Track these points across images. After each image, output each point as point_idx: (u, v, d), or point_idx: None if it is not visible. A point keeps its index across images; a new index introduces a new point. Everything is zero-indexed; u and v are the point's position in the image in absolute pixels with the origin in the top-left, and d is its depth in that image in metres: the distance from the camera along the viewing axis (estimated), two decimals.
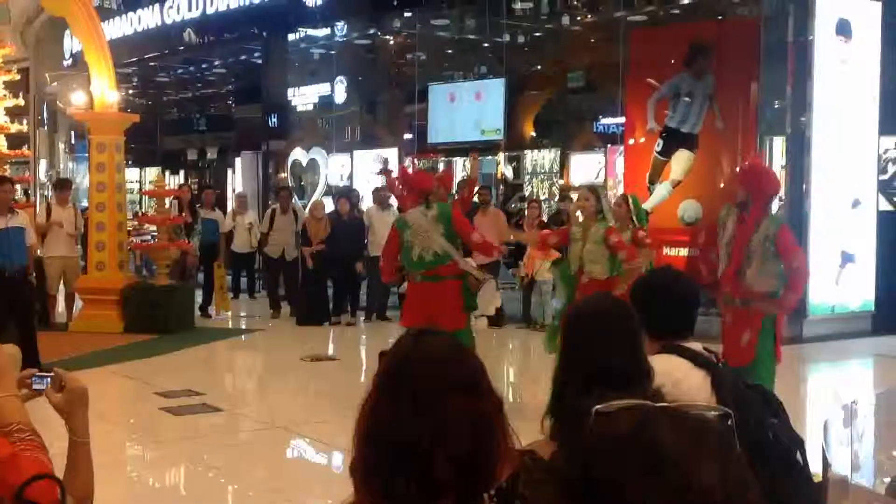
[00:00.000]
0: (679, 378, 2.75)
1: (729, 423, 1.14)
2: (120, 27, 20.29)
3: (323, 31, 18.80)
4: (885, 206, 12.53)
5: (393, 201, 12.57)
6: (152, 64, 22.91)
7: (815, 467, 3.12)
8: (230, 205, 17.73)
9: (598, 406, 1.09)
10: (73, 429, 2.13)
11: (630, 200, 8.11)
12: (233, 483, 6.42)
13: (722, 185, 11.57)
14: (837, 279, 11.60)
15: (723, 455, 1.00)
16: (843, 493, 3.11)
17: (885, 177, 12.74)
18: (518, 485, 1.75)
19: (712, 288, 6.70)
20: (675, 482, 0.96)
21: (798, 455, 2.78)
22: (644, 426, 1.01)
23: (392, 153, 18.02)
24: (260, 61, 19.43)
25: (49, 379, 2.14)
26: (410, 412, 1.69)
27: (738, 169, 7.86)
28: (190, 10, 18.89)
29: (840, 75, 11.54)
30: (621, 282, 7.07)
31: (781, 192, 12.51)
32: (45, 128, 23.60)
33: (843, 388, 9.15)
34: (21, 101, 21.97)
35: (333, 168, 18.35)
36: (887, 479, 3.54)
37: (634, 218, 7.94)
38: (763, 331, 6.08)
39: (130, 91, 24.19)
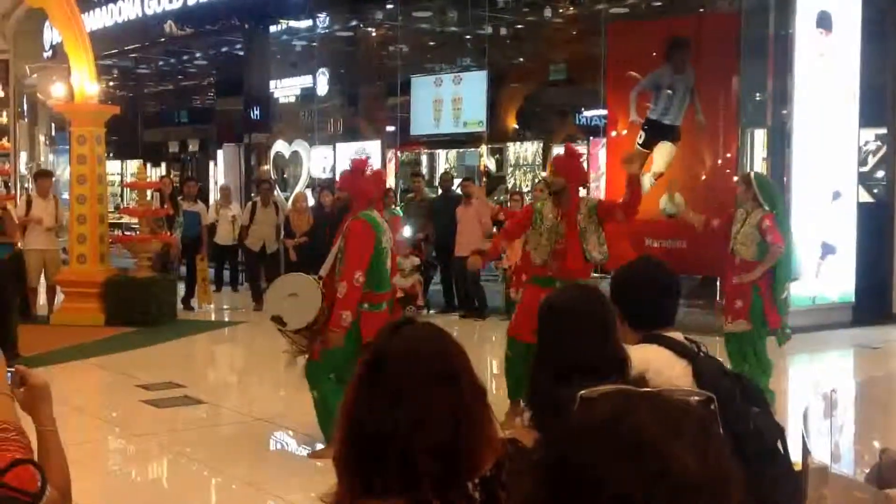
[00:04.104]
0: (660, 367, 2.76)
1: (711, 407, 1.15)
2: (100, 18, 20.14)
3: (305, 23, 18.73)
4: (866, 197, 12.61)
5: None
6: (133, 56, 22.77)
7: (796, 456, 3.14)
8: (212, 197, 17.68)
9: (582, 392, 1.10)
10: (38, 421, 2.12)
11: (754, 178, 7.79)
12: (215, 476, 6.41)
13: (691, 177, 11.61)
14: (818, 271, 11.67)
15: (703, 440, 1.00)
16: (823, 482, 3.14)
17: (866, 169, 12.83)
18: (501, 473, 1.75)
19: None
20: (654, 467, 0.97)
21: (778, 444, 2.80)
22: (624, 411, 1.01)
23: (375, 145, 17.99)
24: (241, 53, 19.34)
25: (9, 374, 2.12)
26: (390, 404, 1.69)
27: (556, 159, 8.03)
28: (171, 1, 18.78)
29: (821, 68, 11.59)
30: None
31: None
32: (26, 120, 23.44)
33: (824, 379, 9.21)
34: (1, 93, 21.86)
35: (316, 160, 18.30)
36: (867, 470, 3.57)
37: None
38: None
39: (111, 83, 24.05)
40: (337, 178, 16.30)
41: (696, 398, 1.16)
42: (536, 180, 16.64)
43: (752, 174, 7.80)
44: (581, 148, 17.24)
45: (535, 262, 6.99)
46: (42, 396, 2.13)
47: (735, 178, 9.62)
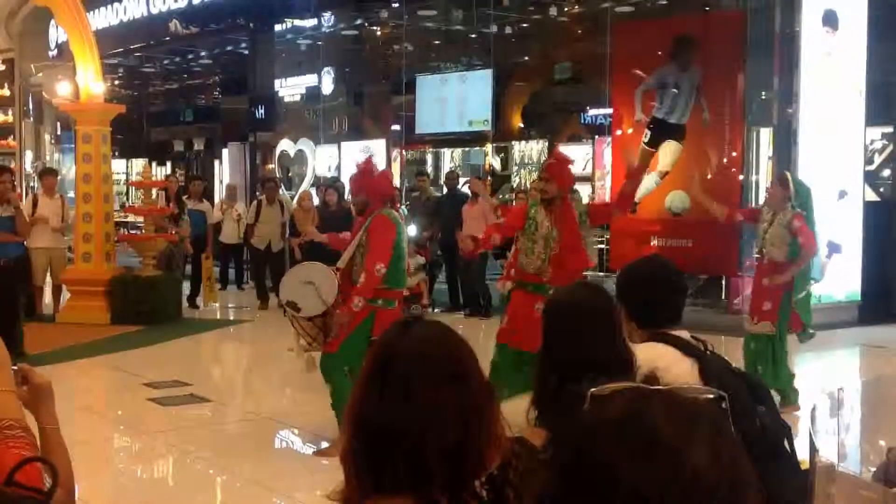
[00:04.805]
0: (667, 366, 2.76)
1: (723, 405, 1.14)
2: (105, 17, 20.17)
3: (310, 22, 18.74)
4: (872, 196, 12.59)
5: None
6: (138, 54, 22.80)
7: (803, 455, 3.13)
8: (218, 196, 17.70)
9: (593, 389, 1.09)
10: (41, 419, 2.13)
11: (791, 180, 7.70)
12: (220, 474, 6.41)
13: (708, 177, 11.60)
14: (824, 270, 11.64)
15: (716, 438, 1.00)
16: (830, 481, 3.13)
17: (872, 167, 12.81)
18: (508, 472, 1.75)
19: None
20: (668, 465, 0.96)
21: (785, 442, 2.79)
22: (638, 409, 1.01)
23: (380, 144, 17.99)
24: (246, 52, 19.36)
25: (12, 373, 2.13)
26: (399, 402, 1.69)
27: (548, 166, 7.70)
28: (176, 0, 18.80)
29: (827, 67, 11.57)
30: None
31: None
32: (31, 119, 23.47)
33: (830, 378, 9.18)
34: (6, 92, 21.90)
35: (321, 159, 18.31)
36: (873, 468, 3.56)
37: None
38: None
39: (116, 82, 24.10)
40: (341, 178, 16.34)
41: (708, 396, 1.15)
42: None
43: (790, 175, 7.67)
44: (586, 147, 17.30)
45: (528, 270, 6.84)
46: (44, 394, 2.14)
47: (738, 175, 9.44)
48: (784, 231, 7.32)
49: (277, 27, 18.62)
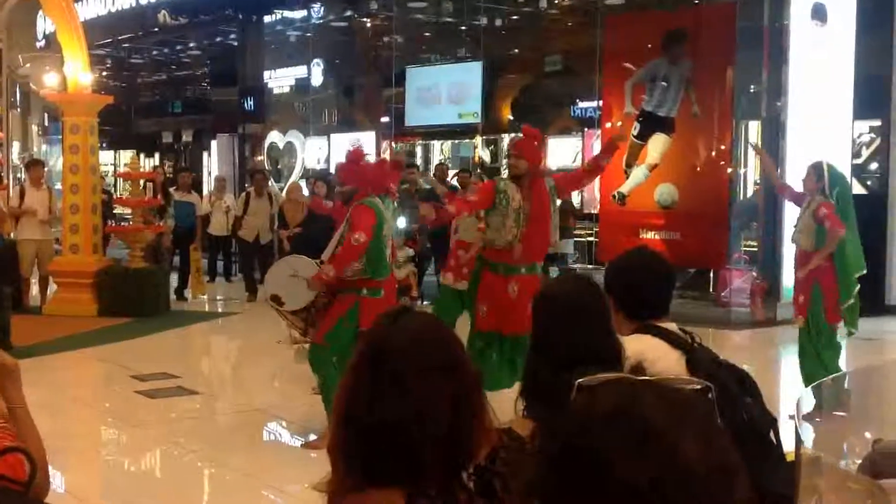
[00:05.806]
0: (655, 358, 2.76)
1: (709, 396, 1.15)
2: (93, 8, 20.08)
3: (299, 13, 18.70)
4: (860, 189, 12.60)
5: None
6: (126, 45, 22.71)
7: (788, 446, 3.14)
8: (206, 188, 17.66)
9: (580, 380, 1.09)
10: (8, 399, 2.13)
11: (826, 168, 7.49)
12: (209, 466, 6.40)
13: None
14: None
15: (707, 429, 1.00)
16: (816, 472, 3.14)
17: (860, 161, 12.83)
18: (496, 462, 1.75)
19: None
20: (660, 456, 0.96)
21: (771, 434, 2.80)
22: (630, 400, 1.01)
23: (369, 136, 17.97)
24: (235, 43, 19.31)
25: None
26: (389, 393, 1.68)
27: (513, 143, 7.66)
28: None
29: (815, 60, 11.59)
30: None
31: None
32: (18, 110, 23.36)
33: None
34: None
35: (310, 151, 18.28)
36: (859, 460, 3.58)
37: None
38: None
39: (104, 73, 23.98)
40: (330, 169, 16.30)
41: (695, 387, 1.16)
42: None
43: (825, 164, 7.50)
44: (576, 139, 17.31)
45: (497, 245, 6.79)
46: (11, 375, 2.14)
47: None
48: (811, 220, 7.23)
49: (267, 18, 18.57)
